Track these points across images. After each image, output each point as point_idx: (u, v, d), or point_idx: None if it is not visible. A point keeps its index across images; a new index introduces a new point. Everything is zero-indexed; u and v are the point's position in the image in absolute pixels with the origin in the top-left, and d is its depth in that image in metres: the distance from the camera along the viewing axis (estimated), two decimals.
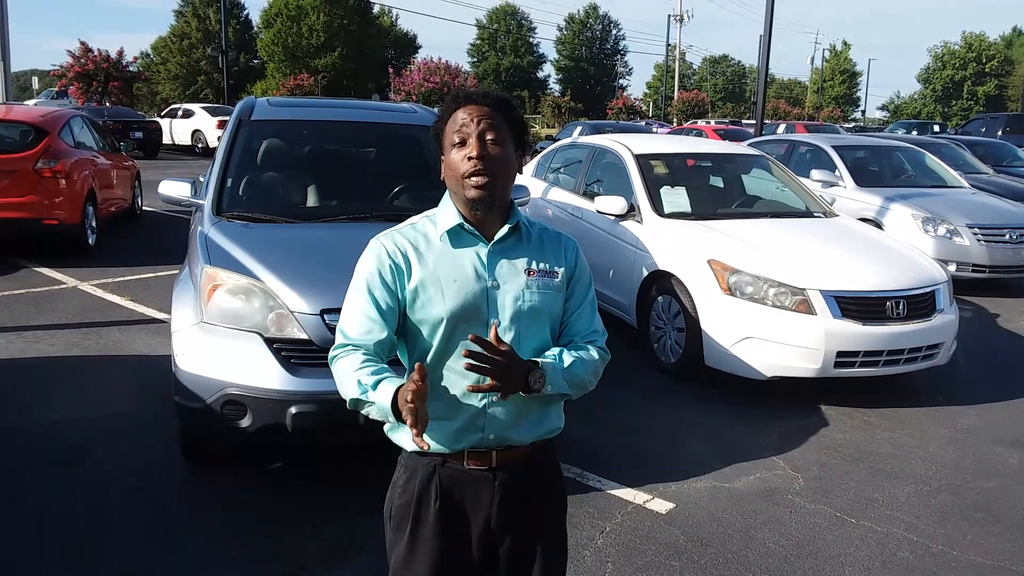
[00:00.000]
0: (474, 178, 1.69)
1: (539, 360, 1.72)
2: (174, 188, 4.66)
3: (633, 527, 3.49)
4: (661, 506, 3.68)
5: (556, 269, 1.81)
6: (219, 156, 4.69)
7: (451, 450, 1.76)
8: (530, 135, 2.12)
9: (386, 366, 1.71)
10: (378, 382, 1.64)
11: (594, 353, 1.82)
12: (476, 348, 1.59)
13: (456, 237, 1.77)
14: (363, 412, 1.69)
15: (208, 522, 3.44)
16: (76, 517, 3.43)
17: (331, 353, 1.76)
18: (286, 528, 3.38)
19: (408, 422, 1.51)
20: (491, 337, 1.61)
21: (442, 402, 1.74)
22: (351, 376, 1.68)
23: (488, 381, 1.61)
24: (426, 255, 1.75)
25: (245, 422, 3.39)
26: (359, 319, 1.74)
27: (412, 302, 1.74)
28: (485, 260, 1.76)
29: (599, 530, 3.45)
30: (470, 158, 1.69)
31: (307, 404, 3.34)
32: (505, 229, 1.77)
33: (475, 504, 1.79)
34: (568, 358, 1.76)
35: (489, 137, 1.71)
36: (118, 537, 3.30)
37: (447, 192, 1.80)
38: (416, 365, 1.54)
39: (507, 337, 1.73)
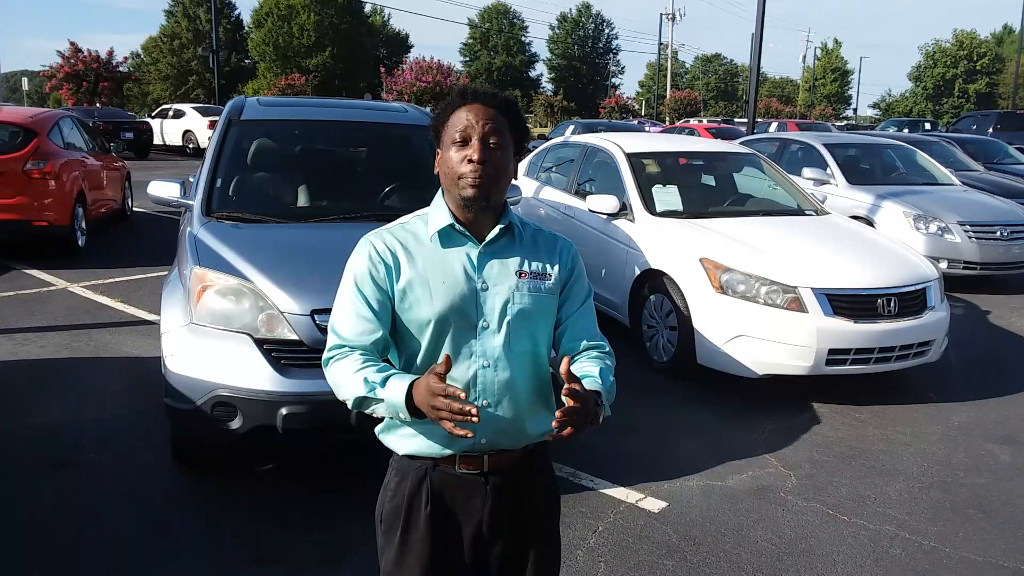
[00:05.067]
0: (471, 180, 1.66)
1: (599, 390, 1.67)
2: (163, 189, 4.63)
3: (626, 526, 3.49)
4: (654, 505, 3.68)
5: (549, 271, 1.77)
6: (209, 156, 4.66)
7: (442, 454, 1.74)
8: (529, 139, 2.09)
9: (389, 364, 1.69)
10: (386, 379, 1.61)
11: (610, 363, 1.79)
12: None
13: (447, 237, 1.74)
14: (368, 411, 1.65)
15: (200, 525, 3.43)
16: (68, 520, 3.41)
17: (326, 355, 1.72)
18: (279, 531, 3.36)
19: (444, 416, 1.48)
20: (563, 372, 1.52)
21: None
22: (353, 376, 1.64)
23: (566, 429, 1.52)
24: (415, 255, 1.72)
25: (235, 423, 3.37)
26: (352, 319, 1.70)
27: (400, 302, 1.71)
28: (475, 261, 1.72)
29: (592, 529, 3.45)
30: (470, 160, 1.65)
31: (298, 405, 3.32)
32: (497, 230, 1.74)
33: (466, 509, 1.76)
34: (609, 377, 1.73)
35: (492, 141, 1.67)
36: (110, 540, 3.28)
37: (439, 191, 1.77)
38: (444, 356, 1.52)
39: (496, 340, 1.71)
